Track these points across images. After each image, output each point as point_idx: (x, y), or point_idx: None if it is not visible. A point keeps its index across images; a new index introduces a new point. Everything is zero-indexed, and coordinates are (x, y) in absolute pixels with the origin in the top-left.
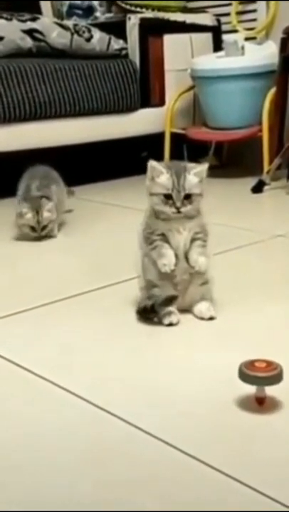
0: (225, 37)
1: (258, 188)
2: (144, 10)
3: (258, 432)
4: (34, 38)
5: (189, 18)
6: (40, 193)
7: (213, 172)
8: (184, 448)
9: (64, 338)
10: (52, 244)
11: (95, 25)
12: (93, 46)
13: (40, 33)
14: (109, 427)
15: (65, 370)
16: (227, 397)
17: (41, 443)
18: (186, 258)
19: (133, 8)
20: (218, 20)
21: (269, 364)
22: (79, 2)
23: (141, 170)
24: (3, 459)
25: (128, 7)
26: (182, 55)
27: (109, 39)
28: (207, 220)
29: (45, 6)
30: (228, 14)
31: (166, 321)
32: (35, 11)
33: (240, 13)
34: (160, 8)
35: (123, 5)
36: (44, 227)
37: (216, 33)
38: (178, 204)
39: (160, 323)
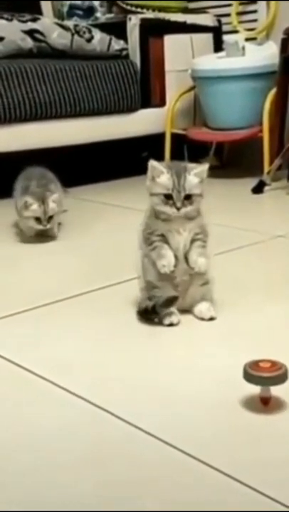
0: (225, 37)
1: (258, 189)
2: (144, 10)
3: (262, 431)
4: (35, 39)
5: (190, 19)
6: (42, 189)
7: (214, 172)
8: (184, 448)
9: (64, 338)
10: (52, 244)
11: (96, 25)
12: (94, 47)
13: (41, 33)
14: (109, 427)
15: (65, 370)
16: (227, 396)
17: (41, 443)
18: (186, 259)
19: (134, 9)
20: (219, 21)
21: (274, 364)
22: (79, 2)
23: (141, 170)
24: (3, 458)
25: (129, 7)
26: (183, 56)
27: (110, 40)
28: (207, 221)
29: (46, 7)
30: (228, 15)
31: (167, 321)
32: (35, 11)
33: (240, 13)
34: (161, 9)
35: (124, 5)
36: (50, 219)
37: (217, 33)
38: (178, 204)
39: (160, 323)
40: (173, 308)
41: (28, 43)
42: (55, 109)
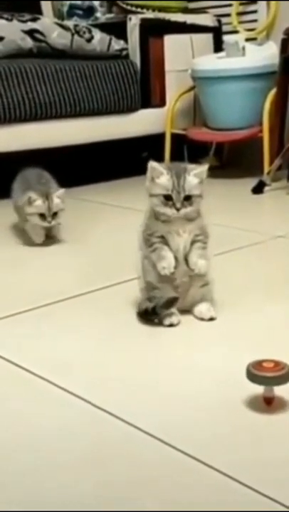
0: (225, 38)
1: (258, 189)
2: (144, 10)
3: (264, 431)
4: (34, 39)
5: (190, 19)
6: (45, 186)
7: (214, 173)
8: (184, 448)
9: (64, 339)
10: (52, 244)
11: (96, 25)
12: (94, 47)
13: (41, 33)
14: (108, 427)
15: (65, 370)
16: (227, 396)
17: (41, 443)
18: (186, 261)
19: (134, 9)
20: (219, 21)
21: (277, 364)
22: (79, 2)
23: (141, 170)
24: (3, 458)
25: (129, 7)
26: (183, 56)
27: (110, 40)
28: (207, 221)
29: (46, 7)
30: (228, 15)
31: (167, 321)
32: (35, 11)
33: (240, 13)
34: (161, 9)
35: (124, 5)
36: (54, 215)
37: (217, 33)
38: (178, 205)
39: (160, 323)
40: (173, 309)
41: (28, 42)
42: (55, 109)
